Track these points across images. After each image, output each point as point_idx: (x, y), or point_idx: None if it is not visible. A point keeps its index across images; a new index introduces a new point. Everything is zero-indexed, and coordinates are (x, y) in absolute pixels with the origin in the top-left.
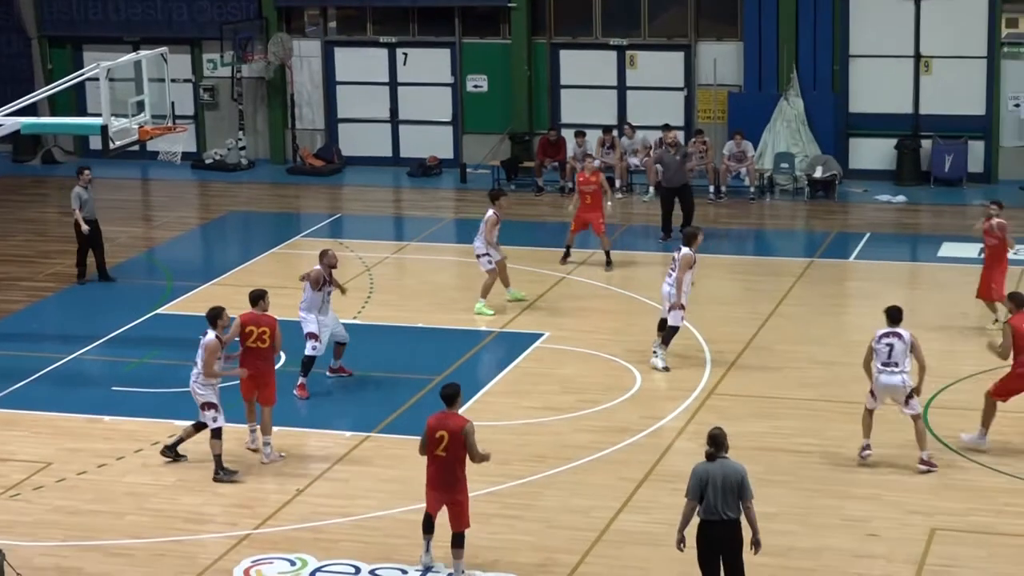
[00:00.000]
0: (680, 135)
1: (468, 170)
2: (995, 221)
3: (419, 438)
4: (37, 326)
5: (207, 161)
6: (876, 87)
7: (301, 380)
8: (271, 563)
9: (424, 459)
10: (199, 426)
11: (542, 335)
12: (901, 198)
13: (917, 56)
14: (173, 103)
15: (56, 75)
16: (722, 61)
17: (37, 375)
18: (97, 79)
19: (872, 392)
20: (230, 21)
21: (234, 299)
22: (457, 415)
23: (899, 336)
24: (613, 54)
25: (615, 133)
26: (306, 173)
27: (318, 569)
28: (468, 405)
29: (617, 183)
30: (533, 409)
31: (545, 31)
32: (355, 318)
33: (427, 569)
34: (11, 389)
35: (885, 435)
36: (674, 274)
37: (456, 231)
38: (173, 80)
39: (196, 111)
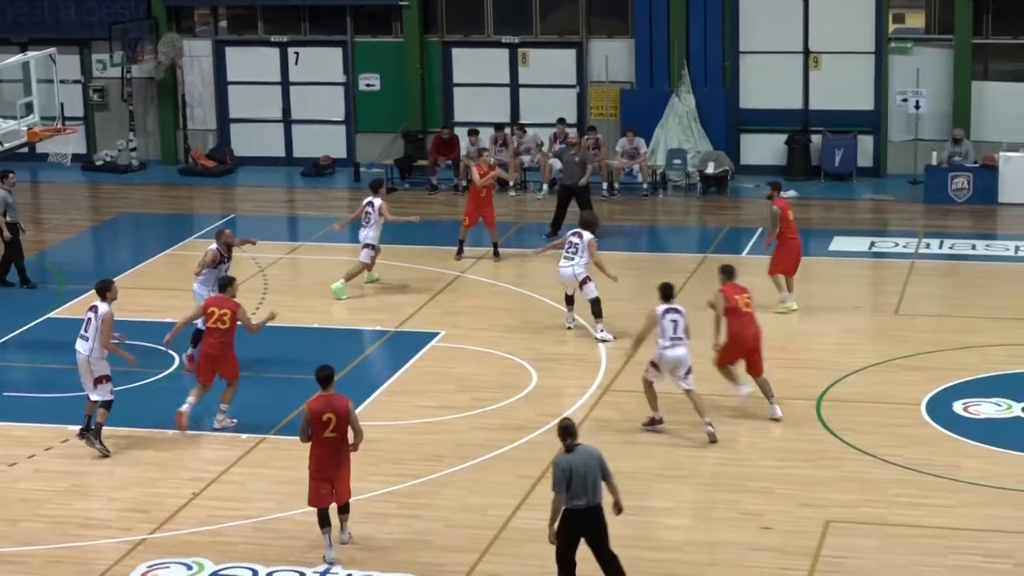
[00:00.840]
0: (573, 132)
1: (362, 169)
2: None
3: None
4: None
5: (97, 163)
6: (766, 83)
7: (190, 351)
8: (167, 567)
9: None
10: (107, 403)
11: (438, 334)
12: (792, 193)
13: (806, 52)
14: (62, 104)
15: None
16: (614, 58)
17: None
18: None
19: (655, 365)
20: (119, 21)
21: (128, 301)
22: (338, 395)
23: (679, 312)
24: (505, 52)
25: (508, 131)
26: (198, 174)
27: (215, 573)
28: (365, 405)
29: (511, 181)
30: (430, 408)
31: (437, 29)
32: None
33: (331, 565)
34: None
35: (780, 429)
36: (574, 258)
37: (350, 231)
38: (62, 81)
39: (86, 112)
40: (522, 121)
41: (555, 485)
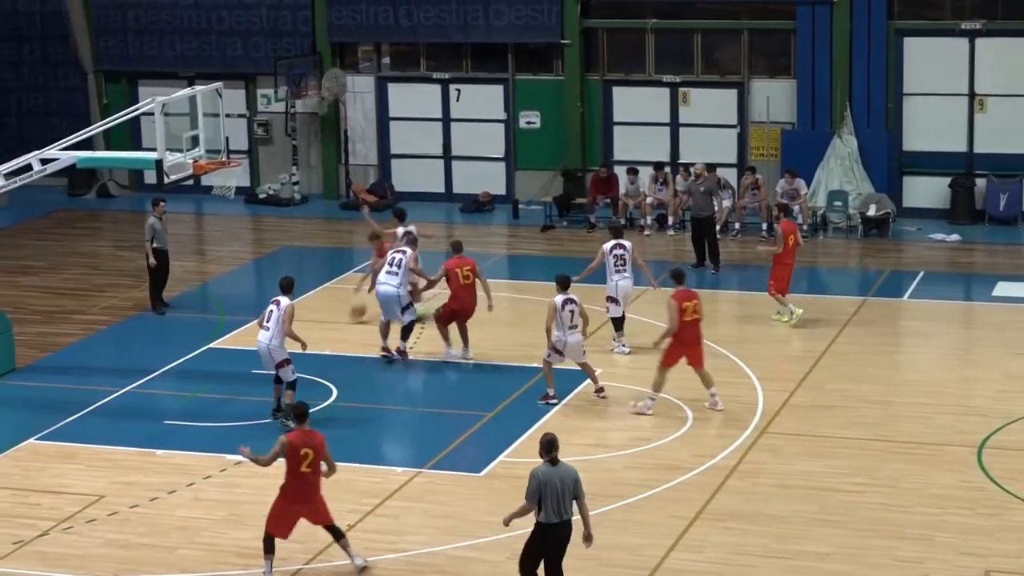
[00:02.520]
0: (705, 168)
1: (520, 206)
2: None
3: (465, 474)
4: (91, 359)
5: (260, 196)
6: (930, 125)
7: (403, 345)
8: None
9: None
10: (280, 381)
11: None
12: (955, 237)
13: (971, 94)
14: (227, 138)
15: (112, 109)
16: (775, 98)
17: (91, 408)
18: (152, 114)
19: (558, 351)
20: (284, 57)
21: None
22: (315, 431)
23: (575, 302)
24: (666, 91)
25: (667, 170)
26: (359, 208)
27: None
28: (519, 441)
29: (670, 220)
30: (585, 446)
31: (598, 68)
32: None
33: None
34: (65, 422)
35: (940, 476)
36: (626, 269)
37: (508, 267)
38: (227, 115)
39: (250, 146)
40: (682, 161)
41: (530, 495)
